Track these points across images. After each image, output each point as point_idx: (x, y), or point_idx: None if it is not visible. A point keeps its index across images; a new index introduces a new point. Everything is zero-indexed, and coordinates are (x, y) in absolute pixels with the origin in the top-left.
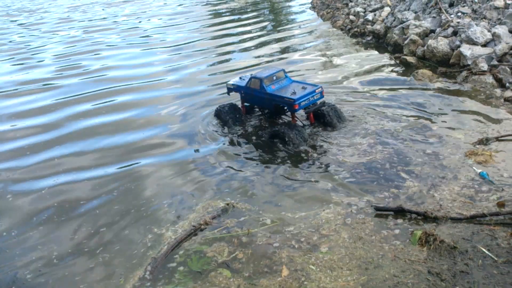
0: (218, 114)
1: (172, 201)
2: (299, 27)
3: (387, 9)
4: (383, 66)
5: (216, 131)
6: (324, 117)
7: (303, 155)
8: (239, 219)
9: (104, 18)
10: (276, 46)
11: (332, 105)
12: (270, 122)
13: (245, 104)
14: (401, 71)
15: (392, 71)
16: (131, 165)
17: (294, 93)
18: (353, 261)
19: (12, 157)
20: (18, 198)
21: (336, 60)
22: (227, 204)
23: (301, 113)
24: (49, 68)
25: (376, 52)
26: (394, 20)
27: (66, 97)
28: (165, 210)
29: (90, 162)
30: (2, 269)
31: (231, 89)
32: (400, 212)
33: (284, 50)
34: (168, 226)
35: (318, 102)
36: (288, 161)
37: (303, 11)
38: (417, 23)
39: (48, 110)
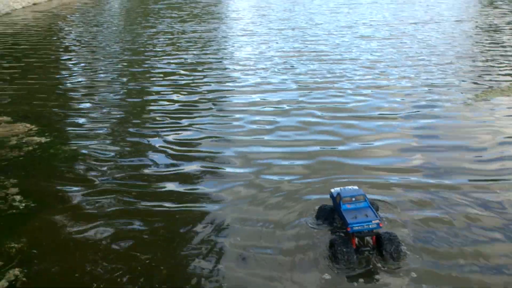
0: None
1: None
2: None
3: None
4: None
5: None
6: (381, 245)
7: None
8: None
9: None
10: None
11: (394, 236)
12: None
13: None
14: None
15: None
16: None
17: (355, 217)
18: None
19: None
20: None
21: None
22: None
23: None
24: None
25: None
26: None
27: None
28: None
29: None
30: None
31: (331, 196)
32: None
33: None
34: None
35: (374, 231)
36: None
37: None
38: None
39: None
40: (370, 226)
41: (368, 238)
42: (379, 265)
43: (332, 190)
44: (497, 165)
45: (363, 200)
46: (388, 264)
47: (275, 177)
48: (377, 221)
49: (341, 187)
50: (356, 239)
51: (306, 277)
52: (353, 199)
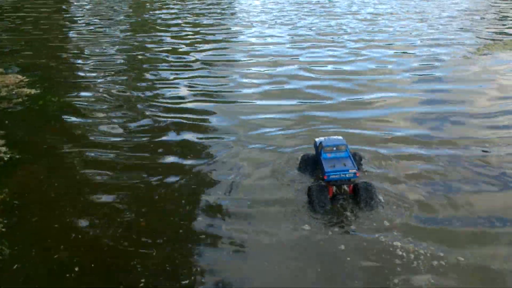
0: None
1: None
2: None
3: None
4: None
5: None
6: (357, 194)
7: None
8: None
9: None
10: None
11: (370, 185)
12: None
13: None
14: None
15: None
16: None
17: (333, 166)
18: None
19: None
20: None
21: None
22: None
23: None
24: None
25: None
26: None
27: None
28: None
29: None
30: None
31: (314, 145)
32: None
33: None
34: None
35: (351, 180)
36: None
37: None
38: None
39: None
40: (347, 175)
41: (345, 187)
42: (352, 213)
43: (316, 139)
44: (490, 132)
45: (344, 150)
46: (362, 212)
47: (260, 137)
48: (354, 170)
49: (326, 137)
50: (334, 187)
51: (284, 227)
52: (334, 148)
